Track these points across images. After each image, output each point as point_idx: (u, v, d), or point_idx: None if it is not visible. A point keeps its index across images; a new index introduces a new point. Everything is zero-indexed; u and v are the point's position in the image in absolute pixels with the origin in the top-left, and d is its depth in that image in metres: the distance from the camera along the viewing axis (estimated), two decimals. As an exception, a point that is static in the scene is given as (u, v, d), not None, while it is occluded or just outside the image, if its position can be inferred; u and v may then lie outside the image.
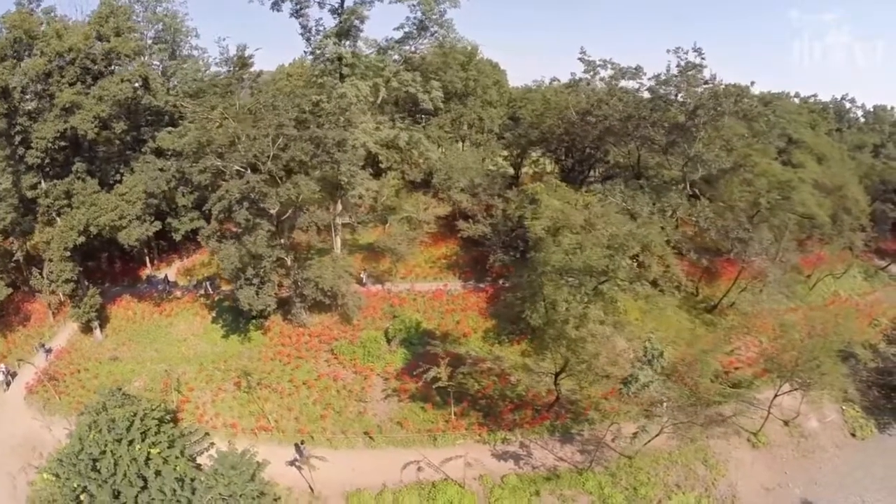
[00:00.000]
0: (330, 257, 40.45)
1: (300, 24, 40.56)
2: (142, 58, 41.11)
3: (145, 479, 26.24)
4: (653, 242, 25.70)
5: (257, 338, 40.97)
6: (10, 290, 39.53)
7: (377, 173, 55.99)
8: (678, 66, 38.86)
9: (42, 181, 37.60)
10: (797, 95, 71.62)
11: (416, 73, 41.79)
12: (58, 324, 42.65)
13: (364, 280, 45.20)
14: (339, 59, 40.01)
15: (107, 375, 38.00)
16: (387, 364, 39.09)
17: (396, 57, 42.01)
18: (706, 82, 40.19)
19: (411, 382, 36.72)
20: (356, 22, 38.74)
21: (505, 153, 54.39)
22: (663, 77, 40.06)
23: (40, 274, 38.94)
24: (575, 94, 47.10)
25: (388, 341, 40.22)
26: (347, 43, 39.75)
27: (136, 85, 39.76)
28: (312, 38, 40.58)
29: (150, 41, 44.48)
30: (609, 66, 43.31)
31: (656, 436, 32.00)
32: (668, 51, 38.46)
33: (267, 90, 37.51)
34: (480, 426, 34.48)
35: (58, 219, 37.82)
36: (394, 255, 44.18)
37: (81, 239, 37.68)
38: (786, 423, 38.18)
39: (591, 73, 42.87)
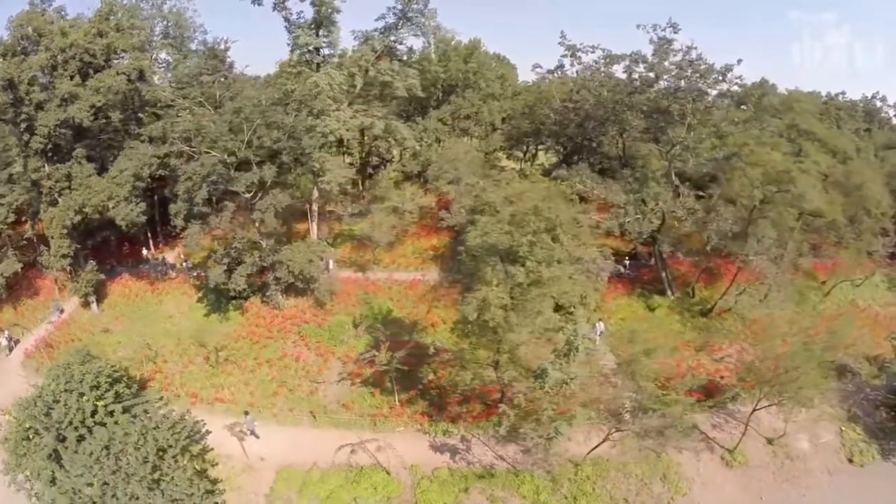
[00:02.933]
0: (304, 242, 40.03)
1: (283, 17, 40.66)
2: (140, 52, 42.51)
3: (90, 429, 27.01)
4: (558, 219, 23.04)
5: (235, 317, 41.69)
6: (21, 266, 42.02)
7: (377, 164, 55.67)
8: (651, 41, 35.25)
9: (45, 165, 39.63)
10: (828, 95, 64.89)
11: (394, 62, 40.59)
12: (63, 298, 45.07)
13: (329, 266, 44.35)
14: (317, 50, 39.56)
15: (96, 345, 39.47)
16: (350, 349, 38.39)
17: (379, 47, 40.87)
18: (692, 62, 36.26)
19: (367, 367, 35.66)
20: (331, 12, 38.06)
21: (501, 146, 52.06)
22: (634, 55, 36.43)
23: (48, 252, 41.06)
24: (562, 82, 44.19)
25: (356, 326, 39.30)
26: (324, 33, 39.15)
27: (134, 77, 40.92)
28: (294, 30, 40.38)
29: (158, 37, 46.03)
30: (596, 50, 40.13)
31: (601, 443, 29.28)
32: (638, 27, 34.88)
33: (240, 80, 37.46)
34: (423, 415, 32.86)
35: (59, 199, 39.59)
36: (372, 244, 43.21)
37: (78, 218, 39.37)
38: (770, 441, 33.78)
39: (572, 57, 39.72)
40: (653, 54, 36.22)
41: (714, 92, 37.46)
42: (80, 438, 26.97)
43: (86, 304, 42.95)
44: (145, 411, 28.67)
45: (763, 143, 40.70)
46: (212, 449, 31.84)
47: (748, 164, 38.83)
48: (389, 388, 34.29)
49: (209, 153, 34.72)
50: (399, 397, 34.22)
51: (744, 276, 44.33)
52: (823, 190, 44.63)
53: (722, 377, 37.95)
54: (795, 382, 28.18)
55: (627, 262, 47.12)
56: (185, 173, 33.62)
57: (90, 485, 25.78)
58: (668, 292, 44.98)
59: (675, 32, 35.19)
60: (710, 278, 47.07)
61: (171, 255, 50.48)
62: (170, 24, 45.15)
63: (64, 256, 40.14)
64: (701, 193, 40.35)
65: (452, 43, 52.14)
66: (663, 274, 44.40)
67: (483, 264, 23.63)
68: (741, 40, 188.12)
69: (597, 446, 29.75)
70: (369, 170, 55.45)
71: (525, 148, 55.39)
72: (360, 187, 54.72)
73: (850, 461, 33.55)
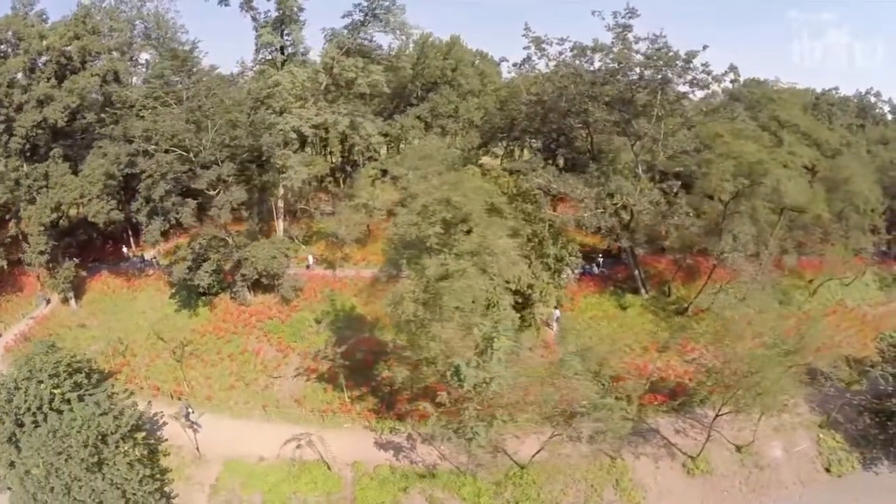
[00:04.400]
0: (269, 240, 40.44)
1: (251, 17, 41.02)
2: (120, 53, 43.53)
3: (46, 415, 28.07)
4: (466, 208, 22.59)
5: (204, 313, 42.78)
6: (5, 263, 43.44)
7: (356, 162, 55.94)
8: (607, 28, 34.24)
9: (24, 164, 40.89)
10: (823, 90, 64.02)
11: (358, 59, 40.61)
12: (46, 294, 46.38)
13: (310, 264, 44.84)
14: (281, 49, 39.87)
15: (72, 340, 41.05)
16: (310, 345, 38.61)
17: (346, 45, 40.93)
18: (658, 50, 35.08)
19: (323, 363, 35.77)
20: (294, 11, 38.29)
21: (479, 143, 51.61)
22: (593, 44, 35.46)
23: (30, 249, 42.45)
24: (535, 76, 43.52)
25: (318, 323, 39.48)
26: (287, 32, 39.42)
27: (110, 78, 42.00)
28: (260, 30, 40.81)
29: (139, 38, 47.04)
30: (565, 42, 39.04)
31: (542, 447, 28.66)
32: (593, 13, 33.88)
33: (206, 80, 37.98)
34: (371, 412, 32.79)
35: (37, 198, 40.84)
36: (339, 241, 43.37)
37: (54, 216, 40.57)
38: (738, 448, 32.26)
39: (537, 49, 38.76)
40: (612, 42, 35.15)
41: (681, 81, 36.03)
42: (36, 424, 28.07)
43: (65, 300, 44.25)
44: (96, 403, 29.44)
45: (744, 135, 39.22)
46: (166, 439, 33.08)
47: (719, 155, 37.50)
48: (342, 384, 34.27)
49: (175, 150, 35.53)
50: (351, 393, 34.46)
51: (722, 274, 42.97)
52: (808, 184, 43.04)
53: (691, 379, 36.68)
54: (755, 388, 26.73)
55: (601, 260, 46.17)
56: (143, 171, 34.34)
57: (37, 466, 26.91)
58: (642, 290, 43.86)
59: (631, 18, 34.16)
60: (689, 277, 45.90)
61: (151, 253, 51.57)
62: (149, 26, 46.16)
63: (41, 253, 41.50)
64: (666, 188, 39.06)
65: (430, 40, 52.02)
66: (636, 272, 43.30)
67: (399, 257, 23.40)
68: (741, 40, 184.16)
69: (539, 450, 29.17)
70: (348, 168, 55.64)
71: (505, 144, 54.70)
72: (342, 185, 55.04)
73: (828, 471, 32.02)
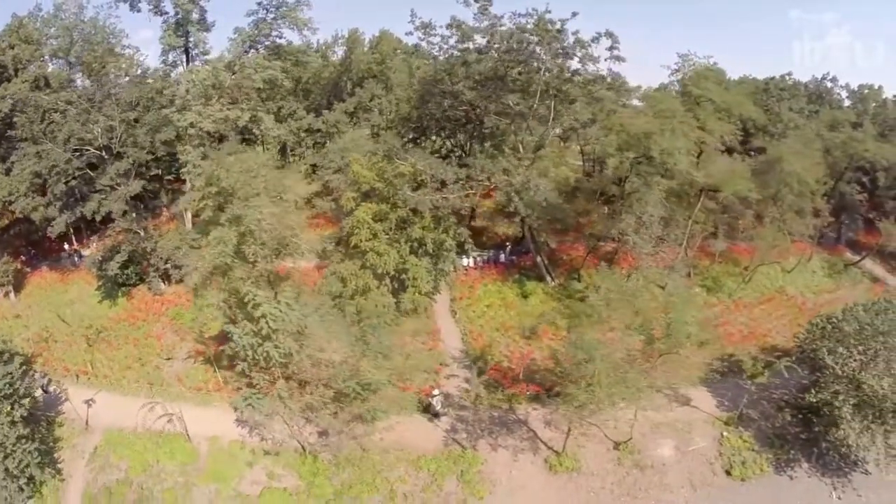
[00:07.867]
0: (176, 232, 46.04)
1: (163, 20, 46.73)
2: (59, 59, 50.63)
3: None
4: (230, 183, 26.88)
5: (122, 303, 49.13)
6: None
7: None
8: (465, 3, 36.96)
9: (-36, 166, 48.67)
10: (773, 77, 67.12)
11: (258, 55, 45.73)
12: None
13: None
14: (186, 50, 45.52)
15: (7, 329, 47.98)
16: (210, 329, 43.36)
17: (249, 42, 46.14)
18: (537, 25, 37.46)
19: (213, 347, 40.77)
20: (191, 12, 43.78)
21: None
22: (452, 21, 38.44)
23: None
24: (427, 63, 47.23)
25: (218, 309, 44.44)
26: (190, 33, 44.98)
27: (42, 84, 49.20)
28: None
29: (77, 44, 53.78)
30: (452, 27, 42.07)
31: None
32: None
33: (112, 83, 44.32)
34: (238, 391, 37.09)
35: (-26, 196, 48.50)
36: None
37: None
38: (617, 445, 32.37)
39: (425, 35, 42.12)
40: (474, 18, 38.00)
41: (552, 51, 38.03)
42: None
43: (6, 294, 51.68)
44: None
45: (664, 114, 40.69)
46: (63, 413, 39.00)
47: (602, 129, 39.40)
48: (222, 364, 39.07)
49: (88, 150, 41.82)
50: (228, 373, 38.85)
51: (633, 260, 44.76)
52: (728, 161, 44.26)
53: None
54: (585, 378, 26.63)
55: (508, 247, 48.79)
56: (44, 165, 40.77)
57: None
58: (548, 278, 46.19)
59: None
60: (605, 262, 47.46)
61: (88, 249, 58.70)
62: (87, 32, 52.78)
63: (-26, 249, 48.96)
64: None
65: (356, 35, 56.54)
66: (538, 258, 45.64)
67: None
68: (740, 40, 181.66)
69: (369, 433, 32.48)
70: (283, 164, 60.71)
71: (427, 137, 57.92)
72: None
73: (728, 473, 31.47)
